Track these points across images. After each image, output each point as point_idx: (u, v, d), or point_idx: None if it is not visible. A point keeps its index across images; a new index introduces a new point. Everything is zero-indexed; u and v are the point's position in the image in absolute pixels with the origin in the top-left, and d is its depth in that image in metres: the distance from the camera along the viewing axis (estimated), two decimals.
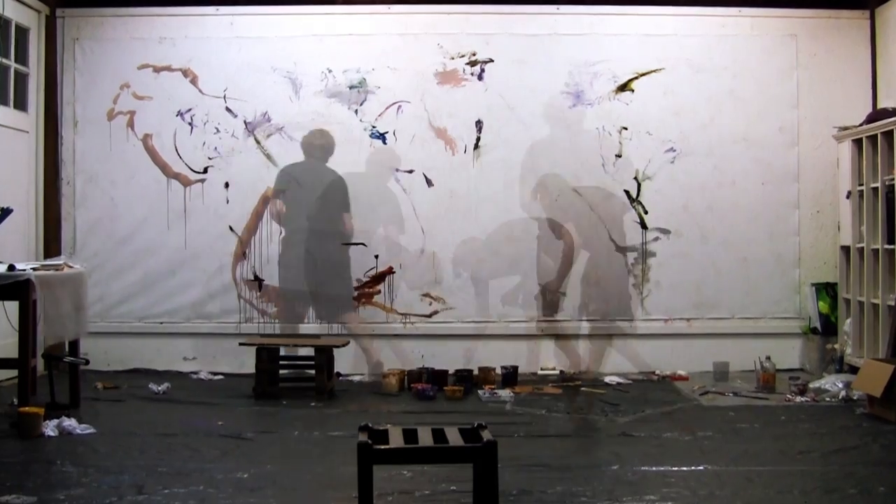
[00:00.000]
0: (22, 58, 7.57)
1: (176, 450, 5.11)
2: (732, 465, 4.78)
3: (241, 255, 7.84)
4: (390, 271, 7.85)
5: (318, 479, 4.57)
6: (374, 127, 7.84)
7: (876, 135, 6.92)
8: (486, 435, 3.58)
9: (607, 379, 7.33)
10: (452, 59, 7.86)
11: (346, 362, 7.58)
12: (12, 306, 5.62)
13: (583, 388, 7.05)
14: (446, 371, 7.17)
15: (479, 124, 7.84)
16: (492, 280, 7.83)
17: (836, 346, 7.41)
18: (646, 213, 7.85)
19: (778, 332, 7.81)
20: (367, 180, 7.82)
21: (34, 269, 5.65)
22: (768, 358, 7.06)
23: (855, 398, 6.35)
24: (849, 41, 7.91)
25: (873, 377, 5.92)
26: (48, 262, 6.20)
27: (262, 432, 5.57)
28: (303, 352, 7.11)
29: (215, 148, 7.85)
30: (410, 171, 7.84)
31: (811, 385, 6.78)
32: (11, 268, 5.52)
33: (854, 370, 6.85)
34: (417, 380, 7.01)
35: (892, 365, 5.81)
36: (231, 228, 7.85)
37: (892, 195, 6.69)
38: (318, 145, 7.78)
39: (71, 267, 6.12)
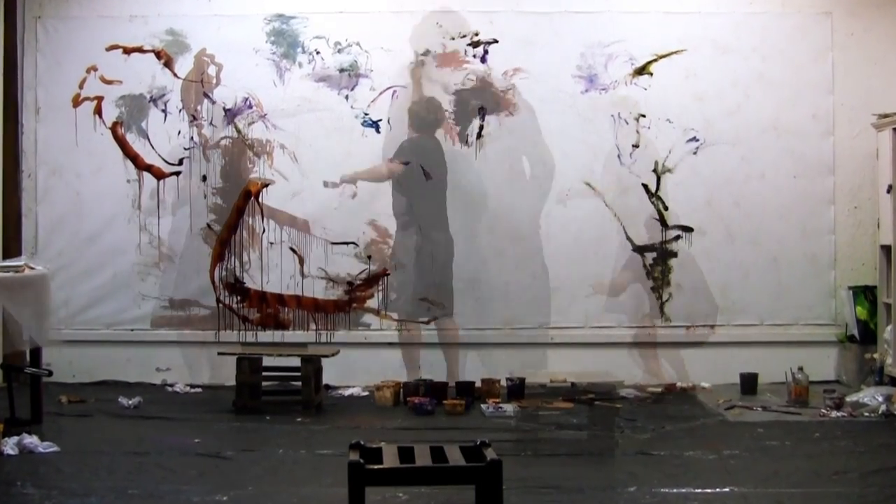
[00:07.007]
0: None
1: (148, 470, 5.10)
2: (761, 486, 4.78)
3: (221, 255, 7.84)
4: (384, 273, 7.85)
5: (304, 501, 4.56)
6: (366, 114, 7.83)
7: None
8: (490, 453, 3.58)
9: (623, 392, 7.33)
10: (453, 39, 7.86)
11: (336, 373, 7.57)
12: None
13: (597, 402, 7.04)
14: (446, 383, 7.17)
15: (481, 111, 7.85)
16: (496, 282, 7.83)
17: (876, 355, 7.40)
18: (666, 208, 7.85)
19: (811, 341, 7.80)
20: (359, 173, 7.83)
21: None
22: (801, 369, 7.05)
23: None
24: (890, 19, 7.89)
25: None
26: (7, 262, 6.20)
27: (242, 451, 5.57)
28: (288, 362, 7.10)
29: (191, 137, 7.85)
30: (407, 163, 7.84)
31: (848, 399, 6.78)
32: None
33: None
34: (414, 393, 7.00)
35: None
36: (209, 226, 7.85)
37: None
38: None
39: (32, 268, 6.12)
